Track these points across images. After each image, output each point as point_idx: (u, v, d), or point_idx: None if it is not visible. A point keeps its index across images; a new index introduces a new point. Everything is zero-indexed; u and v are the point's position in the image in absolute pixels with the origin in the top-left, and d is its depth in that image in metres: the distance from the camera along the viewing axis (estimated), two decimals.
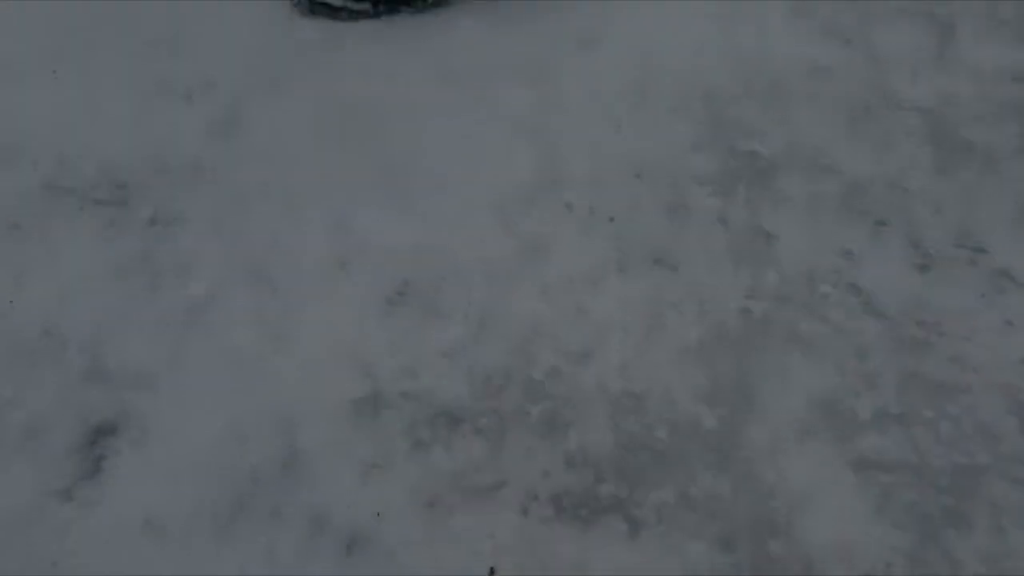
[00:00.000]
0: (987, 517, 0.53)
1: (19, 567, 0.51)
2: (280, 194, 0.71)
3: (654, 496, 0.53)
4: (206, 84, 0.80)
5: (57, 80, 0.81)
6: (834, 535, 0.53)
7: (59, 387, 0.58)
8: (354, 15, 0.89)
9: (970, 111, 0.79)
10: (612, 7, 0.91)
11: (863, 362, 0.59)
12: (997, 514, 0.53)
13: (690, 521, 0.52)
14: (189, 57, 0.84)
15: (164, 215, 0.68)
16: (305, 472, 0.55)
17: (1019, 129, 0.77)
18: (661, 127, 0.78)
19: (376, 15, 0.90)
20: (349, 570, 0.52)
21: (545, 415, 0.56)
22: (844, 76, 0.83)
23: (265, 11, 0.90)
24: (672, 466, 0.54)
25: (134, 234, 0.67)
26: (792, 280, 0.65)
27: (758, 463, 0.54)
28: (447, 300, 0.63)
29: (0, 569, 0.52)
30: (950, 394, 0.58)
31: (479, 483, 0.54)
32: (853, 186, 0.72)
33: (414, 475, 0.54)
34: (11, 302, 0.62)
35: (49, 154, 0.73)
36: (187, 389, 0.58)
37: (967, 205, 0.70)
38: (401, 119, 0.78)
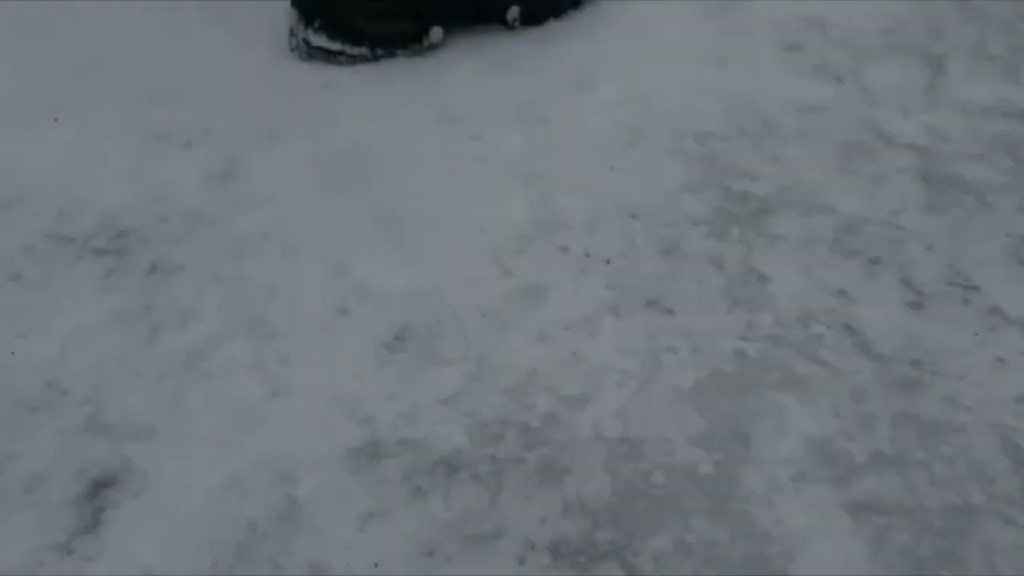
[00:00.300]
0: (981, 558, 0.53)
1: None
2: (278, 241, 0.72)
3: (651, 543, 0.53)
4: (205, 131, 0.81)
5: (58, 128, 0.82)
6: None
7: (59, 440, 0.58)
8: (351, 59, 0.90)
9: (961, 148, 0.80)
10: (607, 49, 0.92)
11: (858, 403, 0.60)
12: (990, 555, 0.53)
13: (687, 568, 0.53)
14: (189, 104, 0.85)
15: (164, 263, 0.69)
16: (303, 522, 0.55)
17: (1010, 165, 0.78)
18: (655, 168, 0.79)
19: (373, 59, 0.91)
20: None
21: (542, 462, 0.57)
22: (836, 114, 0.84)
23: (264, 57, 0.91)
24: (669, 512, 0.55)
25: (134, 283, 0.67)
26: (786, 321, 0.65)
27: (754, 508, 0.55)
28: (444, 345, 0.64)
29: None
30: (944, 434, 0.58)
31: (477, 532, 0.54)
32: (846, 225, 0.73)
33: (412, 524, 0.55)
34: (12, 354, 0.63)
35: (50, 203, 0.74)
36: (186, 440, 0.59)
37: (959, 242, 0.71)
38: (397, 163, 0.79)
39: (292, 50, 0.91)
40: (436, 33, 0.91)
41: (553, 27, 0.96)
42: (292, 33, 0.90)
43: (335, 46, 0.89)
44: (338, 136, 0.82)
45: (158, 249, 0.71)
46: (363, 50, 0.90)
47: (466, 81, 0.89)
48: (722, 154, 0.80)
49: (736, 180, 0.77)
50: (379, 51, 0.90)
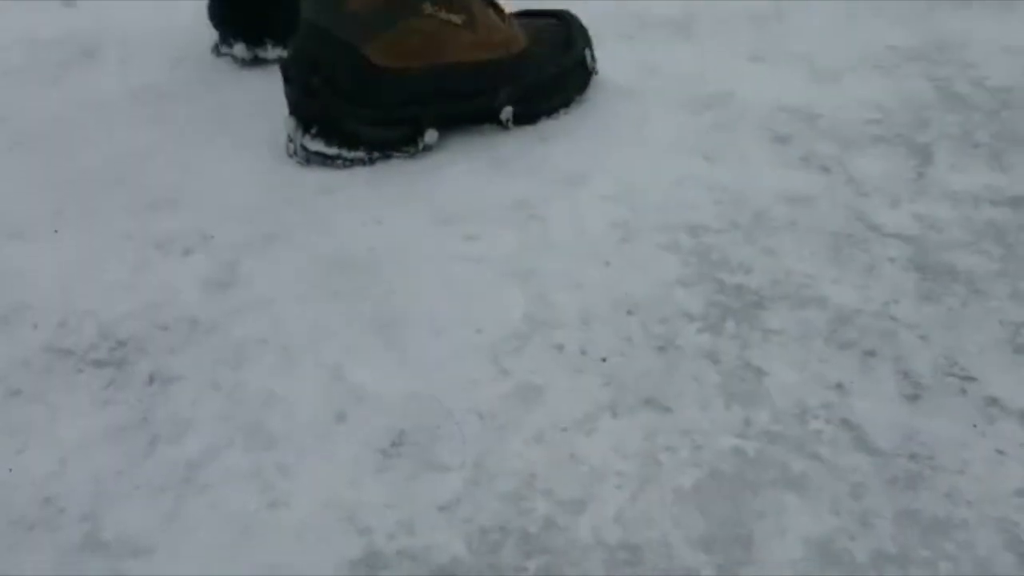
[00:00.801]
0: None
1: None
2: (276, 348, 0.72)
3: None
4: (204, 238, 0.83)
5: (59, 239, 0.83)
6: None
7: (57, 559, 0.58)
8: (348, 162, 0.92)
9: (951, 236, 0.80)
10: (598, 146, 0.94)
11: (858, 501, 0.59)
12: None
13: None
14: (188, 212, 0.86)
15: (162, 374, 0.69)
16: None
17: (1000, 253, 0.78)
18: (649, 263, 0.80)
19: (370, 162, 0.93)
20: None
21: (542, 570, 0.56)
22: (825, 205, 0.85)
23: (262, 163, 0.93)
24: None
25: (132, 394, 0.68)
26: (784, 417, 0.65)
27: None
28: (442, 450, 0.64)
29: None
30: (946, 531, 0.57)
31: None
32: (840, 317, 0.73)
33: None
34: (10, 470, 0.63)
35: (50, 315, 0.74)
36: (184, 555, 0.58)
37: (954, 332, 0.71)
38: (394, 265, 0.80)
39: (290, 156, 0.93)
40: (431, 135, 0.93)
41: (545, 125, 0.98)
42: (290, 139, 0.92)
43: (332, 151, 0.91)
44: (335, 240, 0.83)
45: (157, 358, 0.71)
46: (360, 154, 0.92)
47: (461, 181, 0.90)
48: (715, 247, 0.81)
49: (729, 273, 0.78)
50: (375, 154, 0.92)
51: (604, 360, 0.71)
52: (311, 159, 0.92)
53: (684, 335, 0.72)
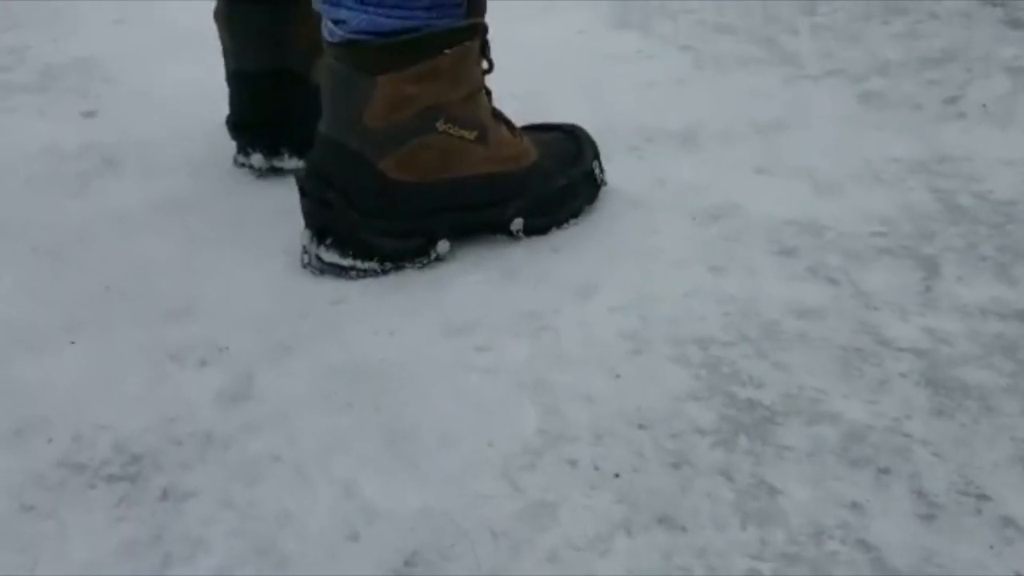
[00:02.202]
0: None
1: None
2: (289, 462, 0.72)
3: None
4: (219, 350, 0.83)
5: (74, 351, 0.84)
6: None
7: None
8: (362, 273, 0.93)
9: (961, 351, 0.81)
10: (607, 257, 0.95)
11: None
12: None
13: None
14: (204, 322, 0.87)
15: (175, 490, 0.69)
16: None
17: (1011, 368, 0.79)
18: (660, 376, 0.80)
19: (383, 272, 0.94)
20: None
21: None
22: (834, 318, 0.86)
23: (277, 272, 0.94)
24: None
25: (146, 511, 0.67)
26: (800, 537, 0.65)
27: None
28: (455, 571, 0.63)
29: None
30: None
31: None
32: (853, 433, 0.73)
33: None
34: None
35: (65, 429, 0.75)
36: None
37: (967, 449, 0.71)
38: (407, 377, 0.81)
39: (304, 266, 0.94)
40: (443, 246, 0.95)
41: (555, 236, 1.00)
42: (305, 250, 0.93)
43: (346, 262, 0.92)
44: (348, 351, 0.84)
45: (171, 474, 0.71)
46: (373, 265, 0.93)
47: (472, 291, 0.92)
48: (725, 361, 0.81)
49: (740, 388, 0.78)
50: (388, 265, 0.94)
51: (617, 476, 0.70)
52: (325, 270, 0.93)
53: (697, 451, 0.72)
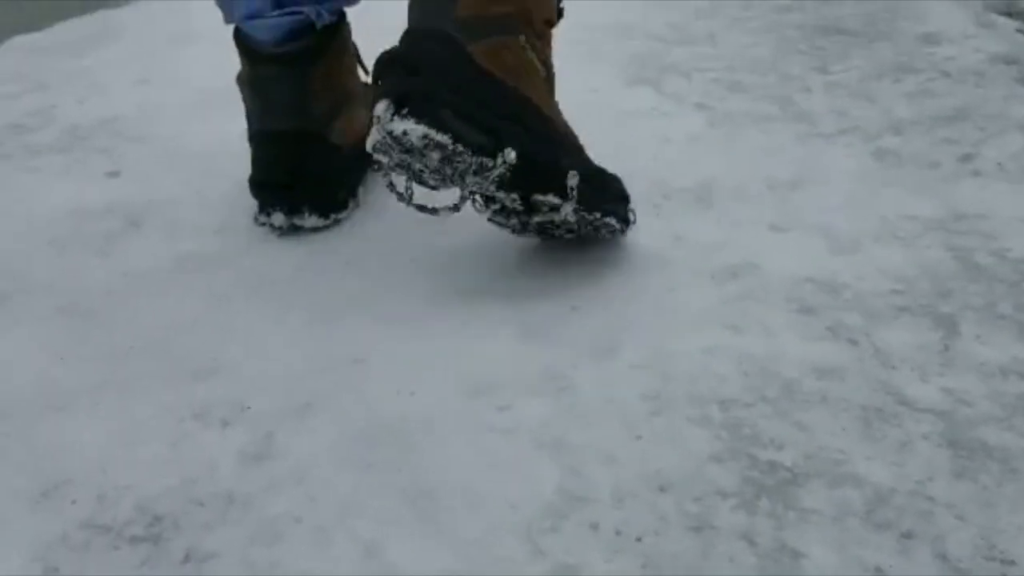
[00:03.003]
0: None
1: None
2: (310, 523, 0.72)
3: None
4: (242, 409, 0.84)
5: (98, 411, 0.84)
6: None
7: None
8: (432, 146, 0.89)
9: (982, 411, 0.81)
10: (628, 315, 0.96)
11: None
12: None
13: None
14: (227, 380, 0.88)
15: (197, 552, 0.69)
16: None
17: None
18: (680, 437, 0.80)
19: (448, 157, 0.90)
20: None
21: None
22: (854, 377, 0.86)
23: (298, 330, 0.95)
24: None
25: (168, 573, 0.68)
26: None
27: None
28: None
29: None
30: None
31: None
32: (875, 496, 0.73)
33: None
34: None
35: (89, 490, 0.75)
36: None
37: (990, 512, 0.71)
38: (427, 437, 0.81)
39: (372, 149, 0.89)
40: (509, 154, 0.90)
41: (575, 293, 1.00)
42: (378, 125, 0.88)
43: (420, 129, 0.87)
44: (369, 410, 0.84)
45: (192, 536, 0.71)
46: (445, 139, 0.88)
47: (491, 349, 0.92)
48: (746, 421, 0.81)
49: (762, 449, 0.78)
50: (458, 147, 0.89)
51: (639, 540, 0.70)
52: (391, 147, 0.87)
53: (719, 514, 0.72)
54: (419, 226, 1.12)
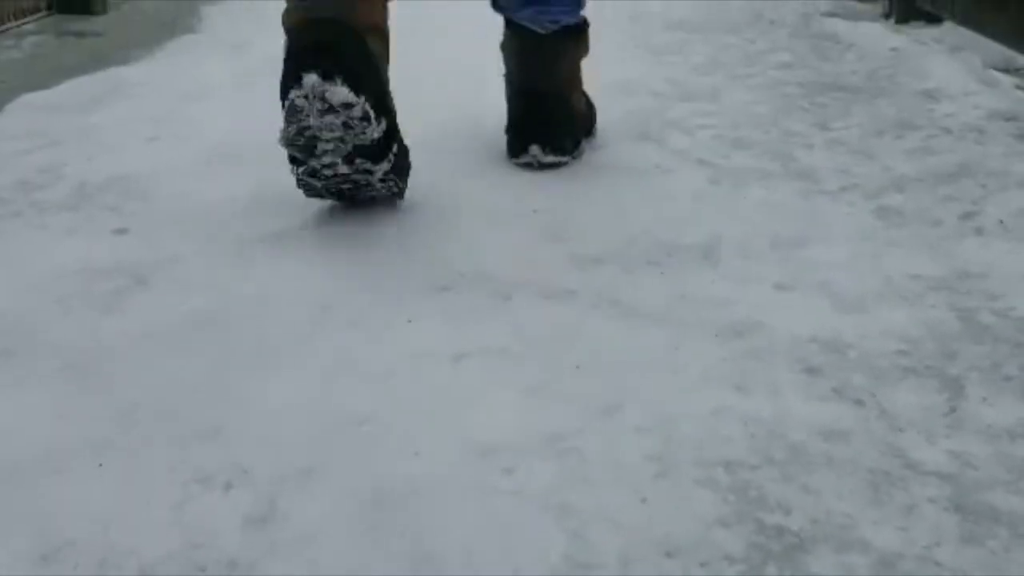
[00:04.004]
0: None
1: None
2: None
3: None
4: (244, 472, 0.84)
5: (101, 472, 0.84)
6: None
7: None
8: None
9: (989, 475, 0.80)
10: (632, 375, 0.96)
11: None
12: None
13: None
14: (230, 443, 0.87)
15: None
16: None
17: None
18: (686, 500, 0.80)
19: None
20: None
21: None
22: (860, 440, 0.85)
23: (304, 391, 0.95)
24: None
25: None
26: None
27: None
28: None
29: None
30: None
31: None
32: (883, 561, 0.72)
33: None
34: None
35: (91, 555, 0.75)
36: None
37: None
38: (432, 501, 0.80)
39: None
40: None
41: (578, 353, 1.00)
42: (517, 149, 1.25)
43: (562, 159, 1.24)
44: (372, 473, 0.84)
45: None
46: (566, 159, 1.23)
47: (497, 410, 0.92)
48: (752, 484, 0.81)
49: (769, 513, 0.78)
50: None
51: None
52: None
53: None
54: (420, 284, 1.13)
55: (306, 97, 1.02)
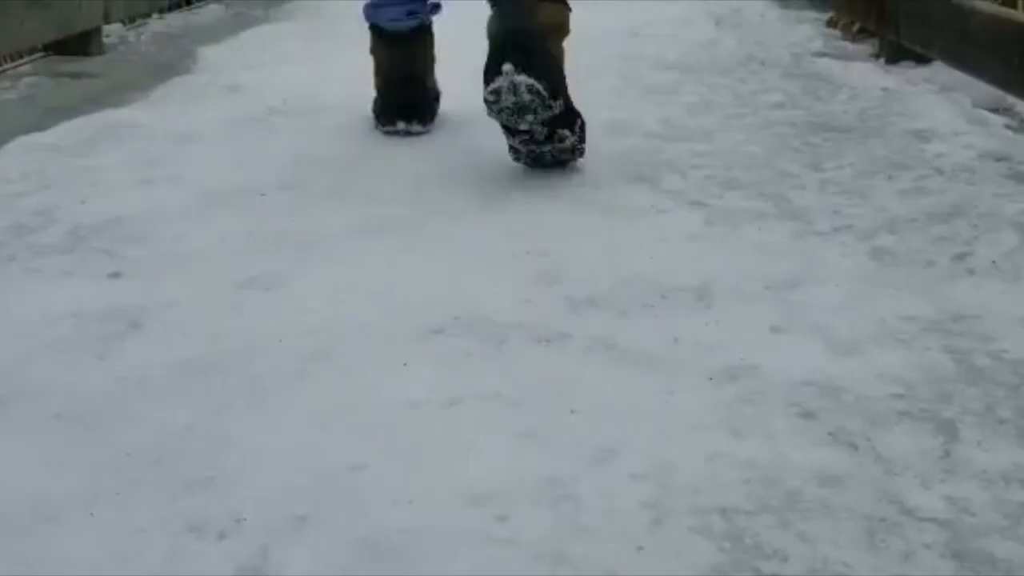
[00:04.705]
0: None
1: None
2: None
3: None
4: (238, 521, 0.83)
5: (93, 522, 0.83)
6: None
7: None
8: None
9: (985, 521, 0.80)
10: (627, 421, 0.96)
11: None
12: None
13: None
14: (223, 491, 0.87)
15: None
16: None
17: None
18: (683, 549, 0.79)
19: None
20: None
21: None
22: (856, 485, 0.85)
23: (295, 438, 0.95)
24: None
25: None
26: None
27: None
28: None
29: None
30: None
31: None
32: None
33: None
34: None
35: None
36: None
37: None
38: (423, 549, 0.80)
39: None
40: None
41: (575, 397, 1.00)
42: (507, 79, 1.37)
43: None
44: (367, 521, 0.83)
45: None
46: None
47: (491, 456, 0.92)
48: (748, 532, 0.80)
49: (765, 561, 0.77)
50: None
51: None
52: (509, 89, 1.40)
53: None
54: (413, 327, 1.13)
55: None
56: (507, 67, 1.37)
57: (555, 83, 1.42)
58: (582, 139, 1.54)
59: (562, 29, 1.52)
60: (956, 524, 0.80)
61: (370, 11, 1.73)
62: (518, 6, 1.42)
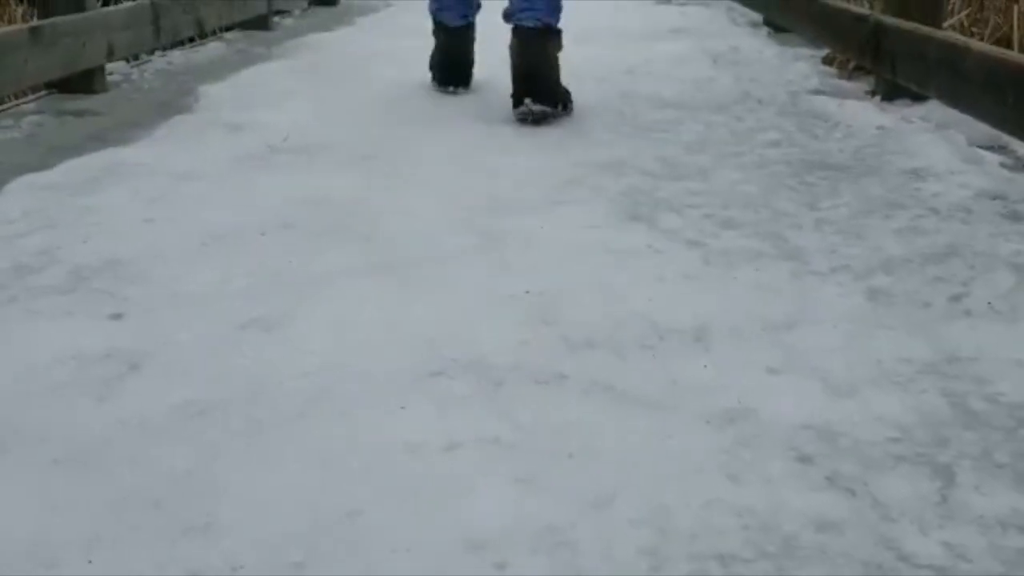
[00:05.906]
0: None
1: None
2: None
3: None
4: (234, 568, 0.83)
5: (91, 569, 0.83)
6: None
7: None
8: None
9: (982, 567, 0.80)
10: (625, 465, 0.96)
11: None
12: None
13: None
14: (221, 539, 0.87)
15: None
16: None
17: None
18: None
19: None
20: None
21: None
22: (853, 531, 0.85)
23: (294, 483, 0.95)
24: None
25: None
26: None
27: None
28: None
29: None
30: None
31: None
32: None
33: None
34: None
35: None
36: None
37: None
38: None
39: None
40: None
41: (571, 439, 1.00)
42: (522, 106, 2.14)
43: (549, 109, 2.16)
44: (365, 569, 0.83)
45: None
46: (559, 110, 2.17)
47: (489, 502, 0.92)
48: None
49: None
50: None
51: None
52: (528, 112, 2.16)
53: None
54: (411, 370, 1.13)
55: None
56: (527, 100, 2.12)
57: (557, 98, 2.16)
58: (568, 104, 2.23)
59: (558, 46, 2.20)
60: (953, 571, 0.80)
61: (435, 10, 2.48)
62: (533, 46, 2.11)
